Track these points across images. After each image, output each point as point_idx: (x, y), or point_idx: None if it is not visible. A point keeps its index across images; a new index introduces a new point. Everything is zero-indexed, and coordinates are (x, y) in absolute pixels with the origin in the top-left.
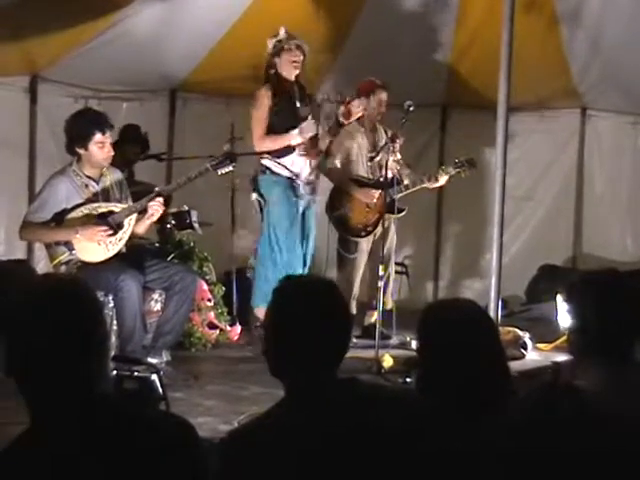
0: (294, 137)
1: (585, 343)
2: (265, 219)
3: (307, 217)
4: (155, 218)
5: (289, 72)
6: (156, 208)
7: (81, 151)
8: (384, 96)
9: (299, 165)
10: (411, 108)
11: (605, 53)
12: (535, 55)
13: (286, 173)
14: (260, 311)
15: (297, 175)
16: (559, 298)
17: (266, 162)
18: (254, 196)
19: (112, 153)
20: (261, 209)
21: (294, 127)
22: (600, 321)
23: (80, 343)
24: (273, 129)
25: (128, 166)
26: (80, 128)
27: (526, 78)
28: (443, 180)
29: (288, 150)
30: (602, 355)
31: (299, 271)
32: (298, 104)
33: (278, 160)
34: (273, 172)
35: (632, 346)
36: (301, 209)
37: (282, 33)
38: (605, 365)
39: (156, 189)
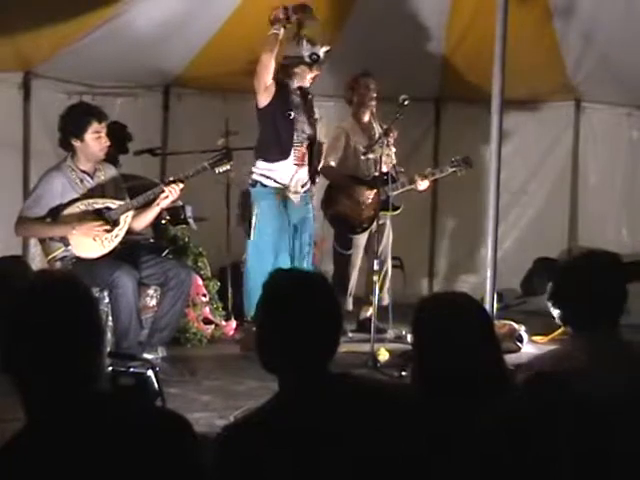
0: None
1: (573, 318)
2: (255, 229)
3: (301, 232)
4: (165, 204)
5: (301, 83)
6: (173, 192)
7: (77, 143)
8: (369, 81)
9: (289, 175)
10: (405, 102)
11: (599, 45)
12: (529, 48)
13: (275, 185)
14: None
15: (286, 186)
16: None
17: (256, 176)
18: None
19: (108, 144)
20: (249, 223)
21: (288, 130)
22: (587, 297)
23: (76, 340)
24: (270, 120)
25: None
26: (76, 119)
27: (520, 71)
28: (424, 185)
29: (283, 156)
30: (588, 330)
31: None
32: (292, 113)
33: (270, 167)
34: (263, 185)
35: (616, 322)
36: (293, 221)
37: (322, 52)
38: (590, 340)
39: (170, 178)
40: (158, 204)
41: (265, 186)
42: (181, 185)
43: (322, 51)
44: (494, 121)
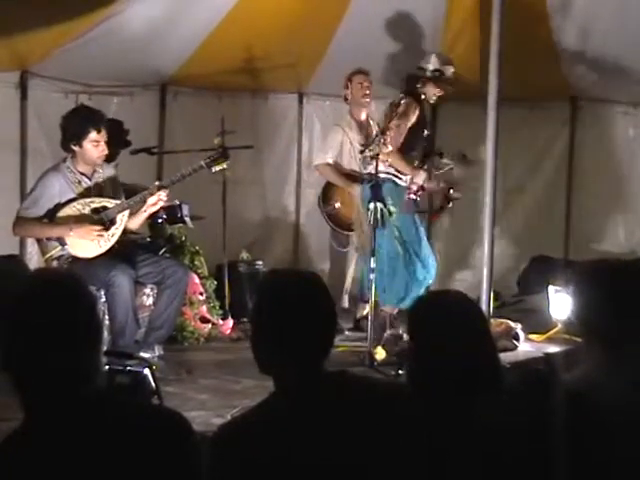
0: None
1: (589, 330)
2: (389, 221)
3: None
4: (152, 211)
5: (429, 99)
6: (162, 199)
7: (75, 148)
8: (362, 78)
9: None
10: (402, 101)
11: (595, 43)
12: (525, 46)
13: (403, 183)
14: (389, 308)
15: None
16: (551, 289)
17: (385, 175)
18: (375, 205)
19: (106, 152)
20: (382, 217)
21: (421, 146)
22: (605, 309)
23: (75, 338)
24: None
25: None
26: (75, 126)
27: (516, 69)
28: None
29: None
30: (604, 342)
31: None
32: (425, 132)
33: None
34: (396, 179)
35: (634, 334)
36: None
37: (449, 72)
38: (606, 352)
39: (156, 183)
40: (145, 210)
41: (397, 185)
42: (167, 191)
43: (450, 71)
44: (490, 119)
